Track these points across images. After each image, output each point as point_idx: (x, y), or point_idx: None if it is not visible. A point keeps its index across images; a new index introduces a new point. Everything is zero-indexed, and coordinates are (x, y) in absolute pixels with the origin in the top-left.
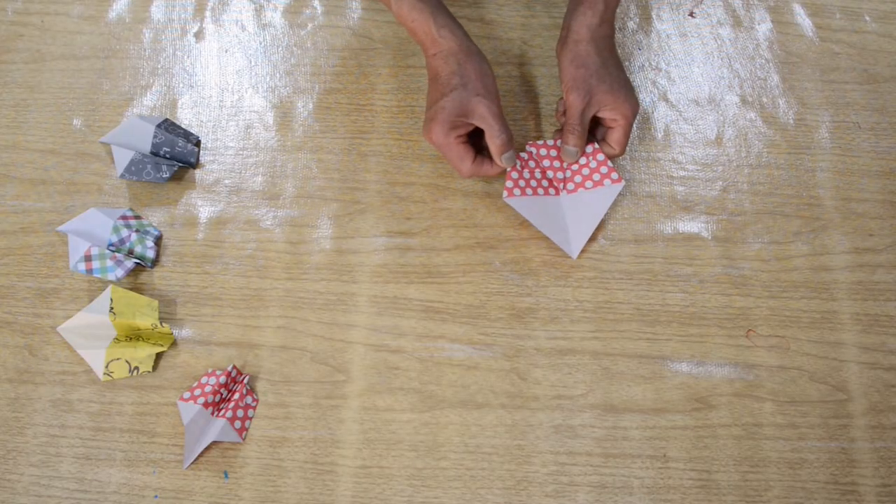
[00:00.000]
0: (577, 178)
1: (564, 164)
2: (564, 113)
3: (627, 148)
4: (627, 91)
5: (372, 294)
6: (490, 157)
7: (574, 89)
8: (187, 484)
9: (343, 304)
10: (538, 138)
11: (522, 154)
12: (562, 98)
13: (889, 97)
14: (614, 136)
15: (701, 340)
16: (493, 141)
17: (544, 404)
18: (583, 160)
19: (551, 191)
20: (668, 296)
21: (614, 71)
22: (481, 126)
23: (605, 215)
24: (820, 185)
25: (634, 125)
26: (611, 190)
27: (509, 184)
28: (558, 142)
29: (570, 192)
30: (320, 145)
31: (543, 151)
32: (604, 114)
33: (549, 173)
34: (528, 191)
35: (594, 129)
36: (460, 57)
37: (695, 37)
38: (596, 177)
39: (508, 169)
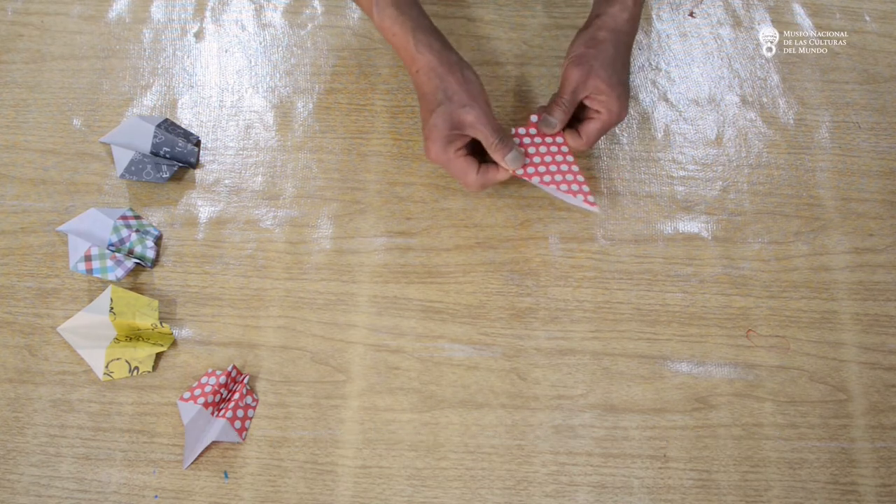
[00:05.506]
0: (558, 178)
1: (545, 143)
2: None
3: (627, 148)
4: (623, 93)
5: (372, 294)
6: (494, 164)
7: (575, 65)
8: (187, 484)
9: (343, 304)
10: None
11: (514, 139)
12: (556, 94)
13: (889, 97)
14: (589, 127)
15: (701, 340)
16: (491, 146)
17: (544, 404)
18: (564, 167)
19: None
20: (668, 296)
21: (620, 69)
22: (475, 135)
23: (600, 212)
24: (820, 185)
25: (618, 130)
26: (582, 204)
27: (529, 170)
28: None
29: (546, 184)
30: (320, 145)
31: (525, 131)
32: (591, 102)
33: (536, 159)
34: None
35: (574, 115)
36: (440, 71)
37: (695, 37)
38: (574, 187)
39: (517, 171)
